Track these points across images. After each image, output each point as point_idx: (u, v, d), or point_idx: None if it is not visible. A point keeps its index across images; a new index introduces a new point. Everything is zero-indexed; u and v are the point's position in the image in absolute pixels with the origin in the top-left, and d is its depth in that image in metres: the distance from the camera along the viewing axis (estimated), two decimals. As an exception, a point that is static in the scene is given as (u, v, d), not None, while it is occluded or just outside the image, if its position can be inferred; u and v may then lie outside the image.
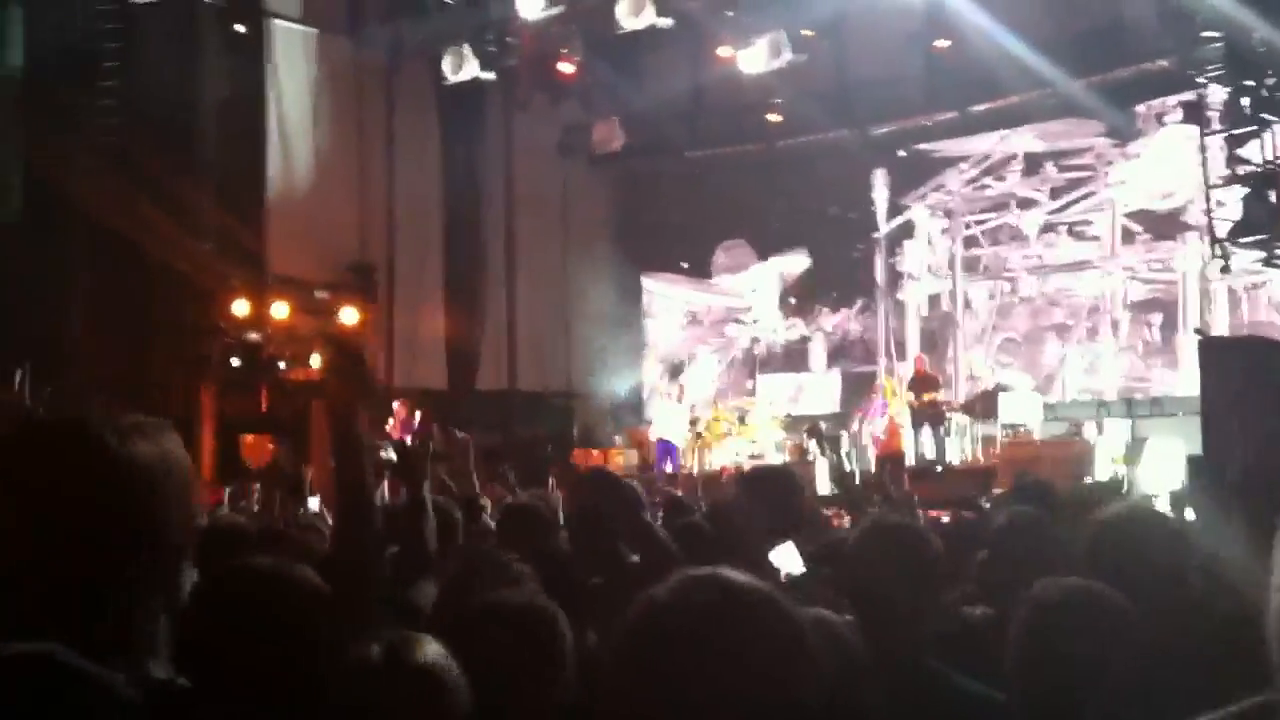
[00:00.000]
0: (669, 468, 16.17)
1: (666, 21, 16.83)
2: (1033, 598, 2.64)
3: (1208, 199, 13.77)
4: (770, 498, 3.99)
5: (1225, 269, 13.52)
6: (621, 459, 16.74)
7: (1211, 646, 2.78)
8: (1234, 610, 3.22)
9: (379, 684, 2.33)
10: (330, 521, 5.55)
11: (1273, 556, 0.80)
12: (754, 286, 20.96)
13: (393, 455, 4.75)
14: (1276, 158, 12.56)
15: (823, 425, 16.62)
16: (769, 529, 3.83)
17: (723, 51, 17.86)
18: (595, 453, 16.71)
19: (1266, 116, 12.74)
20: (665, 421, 17.29)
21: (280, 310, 15.80)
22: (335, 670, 2.40)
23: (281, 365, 15.32)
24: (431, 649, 2.45)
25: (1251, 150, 13.06)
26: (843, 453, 15.66)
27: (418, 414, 15.10)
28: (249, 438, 14.43)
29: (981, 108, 18.06)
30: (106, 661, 1.65)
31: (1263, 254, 12.86)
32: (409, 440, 14.22)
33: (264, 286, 16.03)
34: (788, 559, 3.95)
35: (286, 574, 2.44)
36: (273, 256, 16.70)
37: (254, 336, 15.53)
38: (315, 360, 14.71)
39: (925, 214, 19.55)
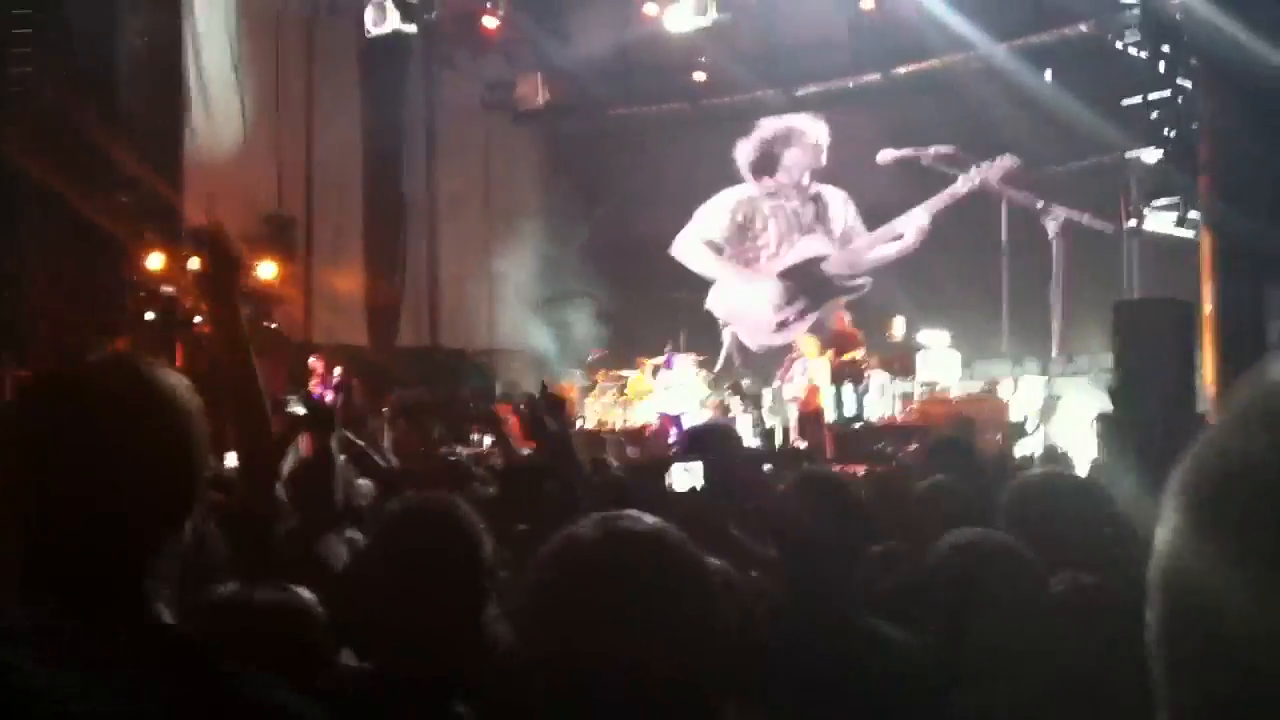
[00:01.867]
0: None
1: (592, -23, 16.76)
2: (945, 544, 2.68)
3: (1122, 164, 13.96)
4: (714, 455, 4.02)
5: (1138, 231, 13.74)
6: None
7: (1123, 596, 2.84)
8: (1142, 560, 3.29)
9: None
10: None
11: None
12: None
13: (301, 409, 4.68)
14: (1189, 123, 12.73)
15: (744, 382, 16.70)
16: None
17: (649, 9, 17.79)
18: (525, 403, 16.56)
19: (1181, 81, 12.91)
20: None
21: (195, 264, 15.47)
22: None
23: (196, 319, 15.05)
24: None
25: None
26: (764, 409, 15.74)
27: (337, 369, 14.97)
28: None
29: (905, 69, 18.16)
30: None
31: (1175, 215, 13.07)
32: (329, 395, 14.13)
33: (179, 240, 15.74)
34: (692, 475, 3.98)
35: None
36: (190, 209, 16.40)
37: (168, 290, 15.25)
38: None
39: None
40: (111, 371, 1.59)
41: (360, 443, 5.30)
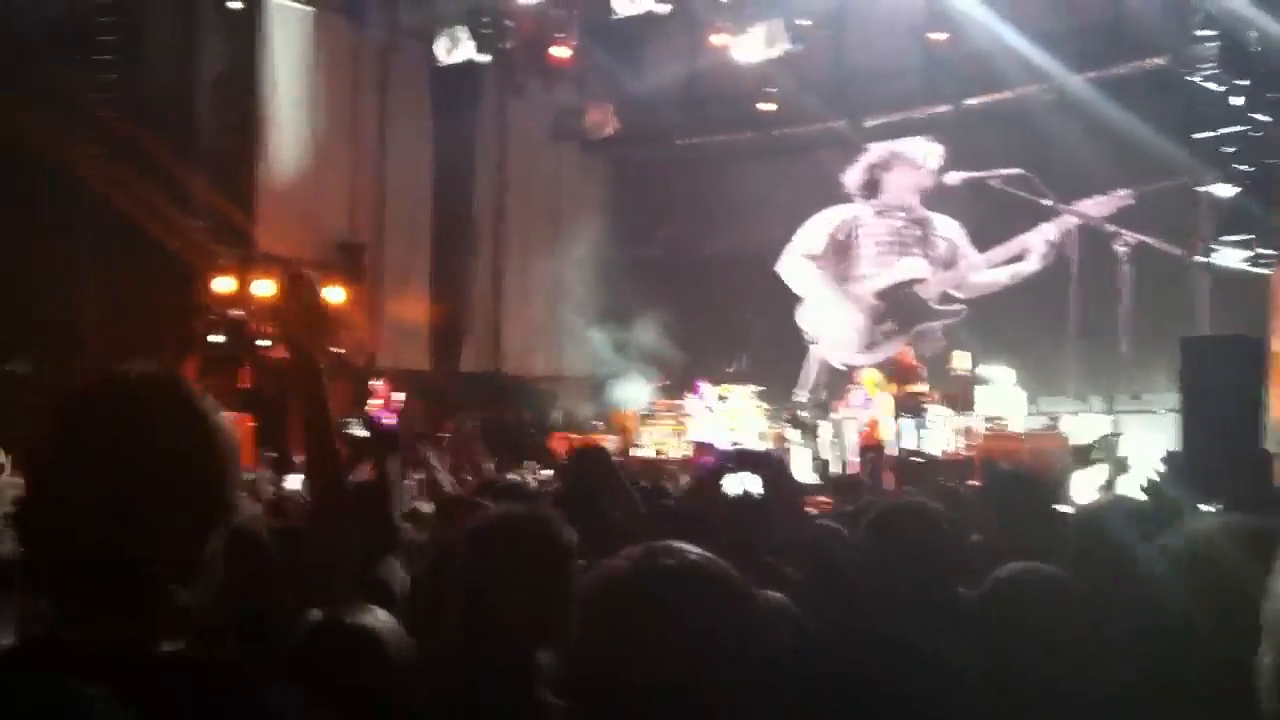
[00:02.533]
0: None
1: (664, 7, 16.83)
2: (995, 579, 2.67)
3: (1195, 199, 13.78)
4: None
5: (1208, 267, 13.54)
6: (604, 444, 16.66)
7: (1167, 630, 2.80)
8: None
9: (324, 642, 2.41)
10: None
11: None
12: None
13: (362, 432, 4.74)
14: (1265, 157, 12.56)
15: (803, 414, 16.61)
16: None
17: (718, 39, 17.84)
18: (575, 436, 16.65)
19: (1256, 116, 12.74)
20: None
21: (263, 288, 15.75)
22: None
23: (261, 344, 15.25)
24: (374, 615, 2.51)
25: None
26: (819, 440, 15.64)
27: (400, 395, 15.10)
28: (230, 415, 14.35)
29: (977, 101, 18.05)
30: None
31: (1248, 253, 12.88)
32: (389, 419, 14.25)
33: (250, 263, 15.99)
34: (749, 482, 3.98)
35: None
36: (261, 235, 16.66)
37: (237, 313, 15.48)
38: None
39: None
40: (140, 382, 1.61)
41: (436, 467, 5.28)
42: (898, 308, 19.60)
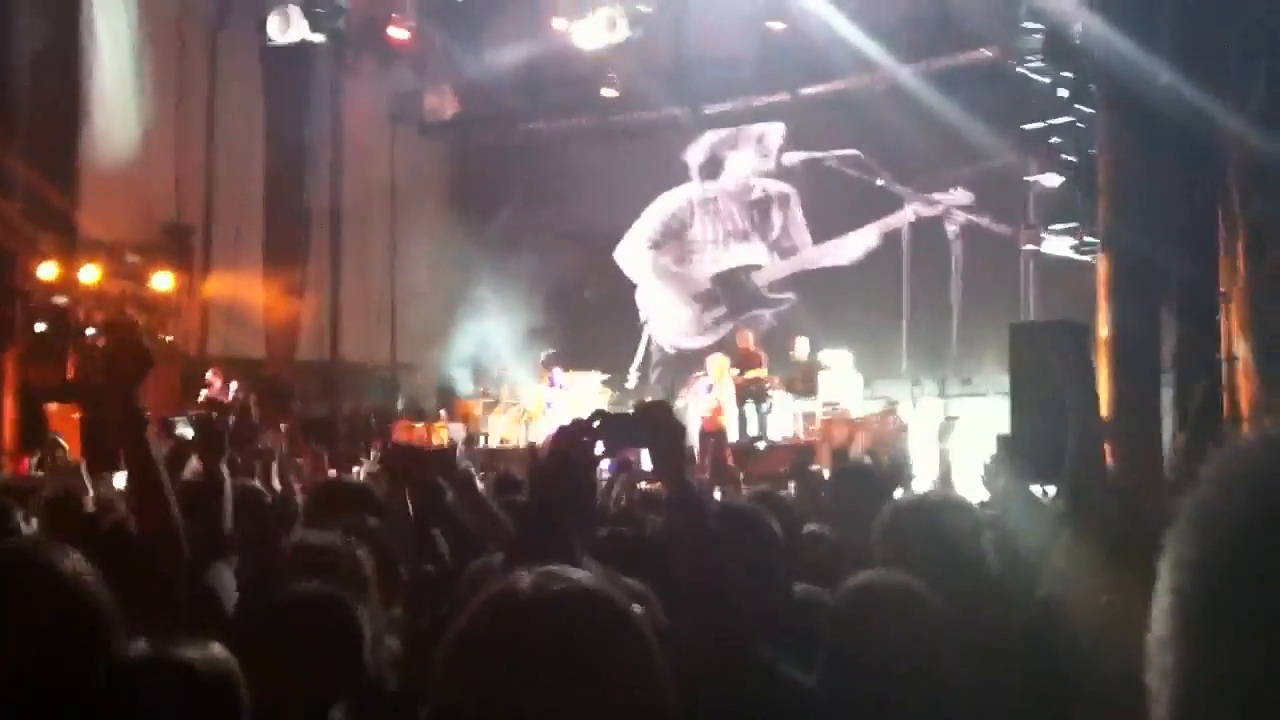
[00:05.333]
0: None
1: (504, -10, 16.67)
2: (841, 591, 2.66)
3: (1023, 188, 14.17)
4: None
5: (1037, 254, 13.96)
6: (445, 432, 16.51)
7: (1004, 633, 2.84)
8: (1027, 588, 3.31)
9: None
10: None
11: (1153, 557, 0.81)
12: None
13: (189, 432, 4.54)
14: (1089, 147, 12.96)
15: (649, 400, 16.66)
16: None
17: (558, 24, 17.74)
18: (418, 426, 16.43)
19: (1081, 107, 13.14)
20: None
21: (90, 273, 15.16)
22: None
23: (90, 331, 14.67)
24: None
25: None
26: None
27: (233, 384, 14.67)
28: (54, 406, 13.79)
29: (812, 90, 18.31)
30: None
31: (1074, 240, 13.28)
32: (221, 409, 13.84)
33: (74, 249, 15.35)
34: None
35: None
36: (85, 218, 15.99)
37: (61, 300, 14.86)
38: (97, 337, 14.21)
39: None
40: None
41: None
42: (730, 293, 19.84)
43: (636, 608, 2.97)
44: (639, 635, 1.50)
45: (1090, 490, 3.41)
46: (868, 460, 7.88)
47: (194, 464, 4.88)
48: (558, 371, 16.88)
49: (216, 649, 2.32)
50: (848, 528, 4.06)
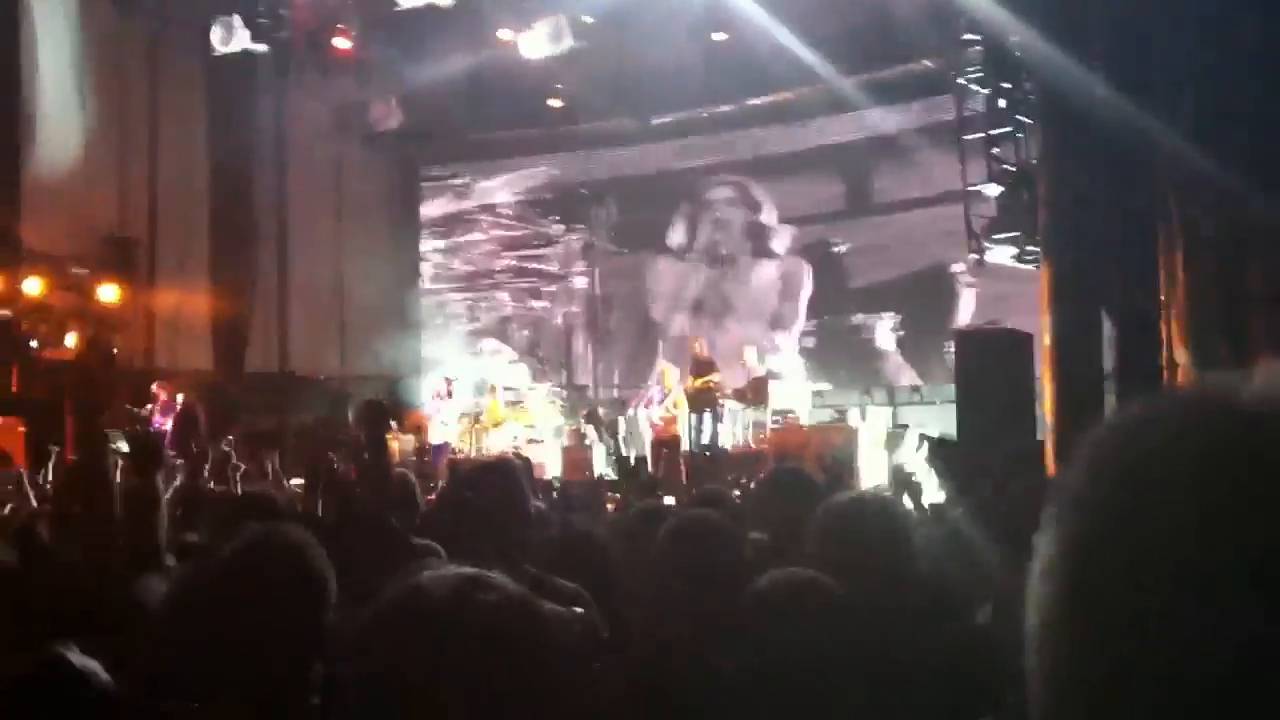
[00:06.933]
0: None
1: (448, 1, 16.62)
2: (754, 588, 2.72)
3: (965, 198, 14.31)
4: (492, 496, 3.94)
5: (980, 264, 14.11)
6: (396, 444, 16.43)
7: (925, 637, 2.90)
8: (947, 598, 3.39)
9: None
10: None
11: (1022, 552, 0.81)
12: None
13: (124, 445, 4.53)
14: (1029, 158, 13.13)
15: (601, 410, 16.70)
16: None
17: (503, 35, 17.73)
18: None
19: (1021, 118, 13.31)
20: (436, 420, 17.21)
21: (32, 286, 15.00)
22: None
23: (33, 344, 14.50)
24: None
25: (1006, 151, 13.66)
26: (620, 438, 15.75)
27: (179, 396, 14.54)
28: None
29: (758, 101, 18.42)
30: None
31: (1015, 250, 13.43)
32: (170, 422, 13.73)
33: (16, 261, 15.19)
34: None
35: None
36: (26, 230, 15.82)
37: (3, 313, 14.68)
38: (70, 340, 14.03)
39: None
40: None
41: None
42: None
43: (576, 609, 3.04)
44: (528, 617, 1.57)
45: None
46: (814, 468, 7.93)
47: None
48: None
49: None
50: (780, 532, 4.10)
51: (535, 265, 21.71)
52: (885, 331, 17.88)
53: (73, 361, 14.11)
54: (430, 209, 21.99)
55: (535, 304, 21.63)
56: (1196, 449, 0.71)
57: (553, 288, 21.66)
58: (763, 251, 19.82)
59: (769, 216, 19.77)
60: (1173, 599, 0.68)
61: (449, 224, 22.18)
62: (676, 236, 20.58)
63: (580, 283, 21.60)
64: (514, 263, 21.89)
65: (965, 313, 16.36)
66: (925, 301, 17.13)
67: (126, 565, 4.27)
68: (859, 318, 18.08)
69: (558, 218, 21.58)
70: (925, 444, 5.49)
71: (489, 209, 21.97)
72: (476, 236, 22.14)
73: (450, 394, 17.16)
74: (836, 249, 18.94)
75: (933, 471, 5.71)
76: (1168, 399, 0.78)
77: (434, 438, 16.62)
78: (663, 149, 20.29)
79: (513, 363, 20.63)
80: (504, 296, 21.88)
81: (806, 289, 19.10)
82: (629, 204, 20.97)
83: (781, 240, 19.62)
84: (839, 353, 17.56)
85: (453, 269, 22.27)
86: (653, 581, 3.32)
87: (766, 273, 19.60)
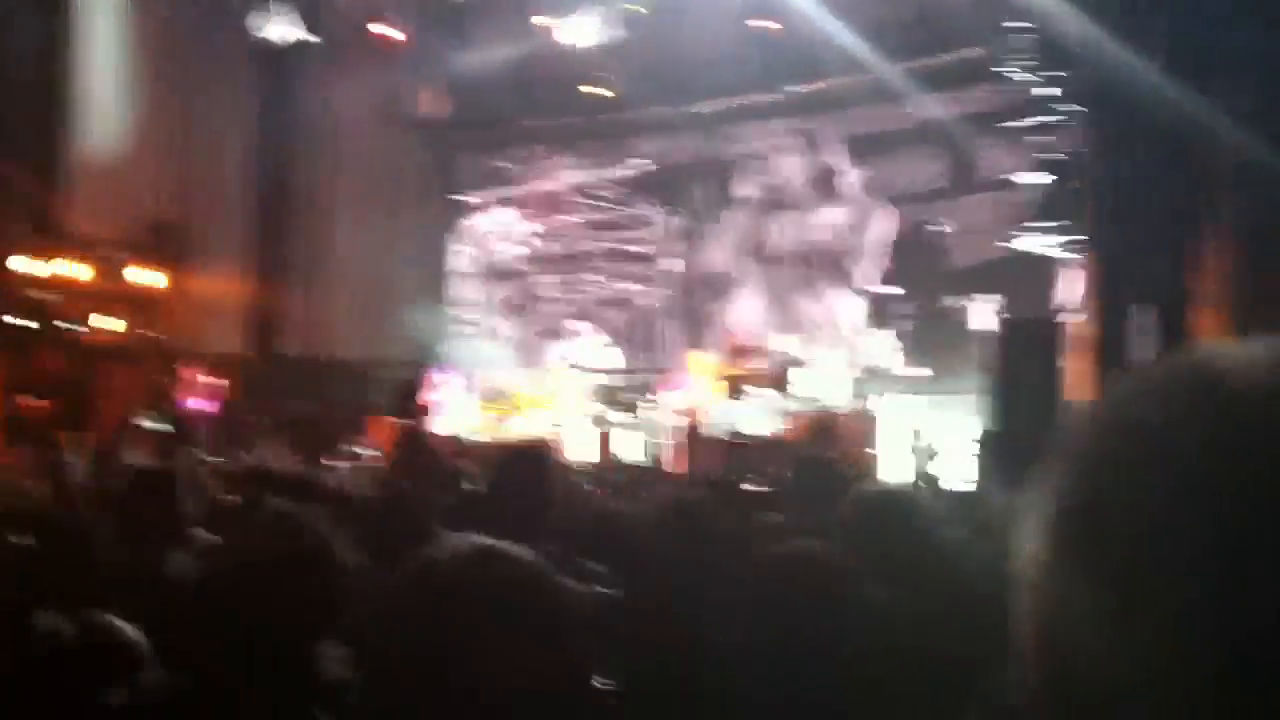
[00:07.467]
0: None
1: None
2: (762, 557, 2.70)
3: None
4: (521, 479, 3.92)
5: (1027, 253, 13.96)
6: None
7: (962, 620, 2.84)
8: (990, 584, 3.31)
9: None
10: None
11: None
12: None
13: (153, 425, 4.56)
14: (1076, 148, 12.97)
15: (625, 395, 16.71)
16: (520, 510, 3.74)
17: (547, 23, 17.74)
18: (396, 422, 16.37)
19: (1069, 107, 13.14)
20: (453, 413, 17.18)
21: (75, 270, 15.16)
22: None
23: (70, 326, 14.65)
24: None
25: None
26: (644, 424, 15.71)
27: (210, 379, 14.62)
28: (30, 400, 13.70)
29: (803, 89, 18.27)
30: None
31: (1062, 239, 13.30)
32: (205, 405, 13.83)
33: (59, 244, 15.35)
34: None
35: None
36: (71, 214, 16.00)
37: (42, 295, 14.85)
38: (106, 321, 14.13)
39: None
40: None
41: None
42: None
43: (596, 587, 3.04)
44: (541, 591, 1.57)
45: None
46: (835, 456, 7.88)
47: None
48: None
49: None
50: (803, 517, 4.07)
51: (624, 247, 20.99)
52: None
53: (111, 345, 14.25)
54: (476, 196, 21.81)
55: (624, 286, 20.80)
56: (1189, 408, 0.72)
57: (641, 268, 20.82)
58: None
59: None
60: (1169, 550, 0.68)
61: (499, 209, 21.82)
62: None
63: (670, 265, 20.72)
64: (596, 246, 21.21)
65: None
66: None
67: (147, 539, 4.29)
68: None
69: (648, 200, 20.74)
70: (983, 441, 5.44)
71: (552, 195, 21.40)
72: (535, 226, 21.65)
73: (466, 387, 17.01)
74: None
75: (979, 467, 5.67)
76: (1166, 362, 0.77)
77: (445, 426, 16.51)
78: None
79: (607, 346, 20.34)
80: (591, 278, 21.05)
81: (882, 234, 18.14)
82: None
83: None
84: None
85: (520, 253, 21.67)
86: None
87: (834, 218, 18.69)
